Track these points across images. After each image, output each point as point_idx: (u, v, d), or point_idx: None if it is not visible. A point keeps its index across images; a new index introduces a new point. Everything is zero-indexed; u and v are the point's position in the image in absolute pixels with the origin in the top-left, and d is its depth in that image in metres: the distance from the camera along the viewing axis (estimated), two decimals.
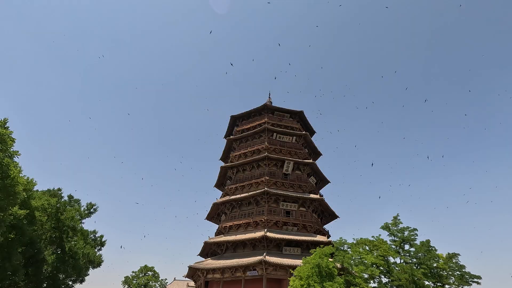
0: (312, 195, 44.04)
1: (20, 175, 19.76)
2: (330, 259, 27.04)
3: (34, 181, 24.77)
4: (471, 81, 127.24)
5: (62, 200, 31.53)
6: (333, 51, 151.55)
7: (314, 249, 27.15)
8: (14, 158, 19.41)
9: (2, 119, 17.39)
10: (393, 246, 31.56)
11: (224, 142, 55.07)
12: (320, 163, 54.79)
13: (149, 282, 64.93)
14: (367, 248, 30.85)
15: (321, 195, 45.58)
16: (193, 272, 43.39)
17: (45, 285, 27.76)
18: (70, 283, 30.60)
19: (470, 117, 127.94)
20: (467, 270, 29.64)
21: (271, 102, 56.77)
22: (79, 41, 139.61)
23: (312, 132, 56.91)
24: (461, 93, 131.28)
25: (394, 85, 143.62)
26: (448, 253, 30.32)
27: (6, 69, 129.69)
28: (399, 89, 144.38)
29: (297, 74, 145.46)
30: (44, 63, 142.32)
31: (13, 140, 18.28)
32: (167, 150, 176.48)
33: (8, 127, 17.71)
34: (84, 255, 30.52)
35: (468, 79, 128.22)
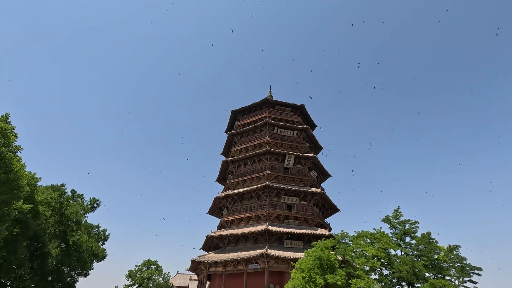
0: (313, 189, 44.18)
1: (23, 169, 19.91)
2: (332, 252, 27.21)
3: (37, 176, 25.00)
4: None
5: (66, 195, 31.78)
6: (337, 42, 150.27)
7: (315, 242, 27.34)
8: (16, 153, 19.55)
9: (4, 114, 17.46)
10: (394, 239, 31.69)
11: (225, 136, 55.17)
12: (321, 157, 54.85)
13: (152, 276, 65.65)
14: (368, 240, 30.96)
15: (322, 189, 45.71)
16: (195, 266, 43.85)
17: (50, 278, 28.15)
18: (75, 276, 31.03)
19: (473, 116, 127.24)
20: (468, 262, 29.81)
21: (272, 96, 56.57)
22: (80, 38, 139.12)
23: (313, 126, 56.80)
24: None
25: (396, 79, 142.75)
26: (449, 245, 30.44)
27: (8, 65, 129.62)
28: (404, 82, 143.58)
29: (299, 69, 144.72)
30: (45, 59, 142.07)
31: (15, 135, 18.37)
32: (168, 145, 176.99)
33: (10, 122, 17.79)
34: (88, 248, 30.88)
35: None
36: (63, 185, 31.91)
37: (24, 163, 20.66)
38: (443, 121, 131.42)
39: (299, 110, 54.47)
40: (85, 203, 34.20)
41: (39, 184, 26.94)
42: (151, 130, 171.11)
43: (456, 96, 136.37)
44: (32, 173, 24.78)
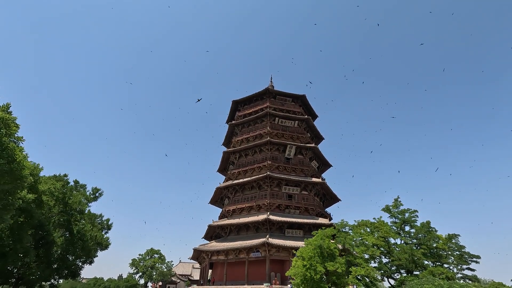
0: (314, 179, 44.37)
1: (26, 160, 19.97)
2: (332, 241, 27.50)
3: (40, 167, 25.15)
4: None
5: (69, 185, 32.05)
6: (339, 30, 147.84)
7: (316, 231, 27.56)
8: (19, 144, 19.53)
9: (5, 104, 17.38)
10: (393, 228, 32.02)
11: (226, 127, 55.06)
12: (322, 147, 54.79)
13: (155, 264, 66.89)
14: (368, 229, 31.28)
15: (323, 179, 45.92)
16: (198, 254, 44.55)
17: (55, 266, 28.71)
18: (80, 264, 31.65)
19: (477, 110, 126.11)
20: (466, 250, 30.18)
21: (273, 86, 56.12)
22: (85, 32, 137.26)
23: (315, 116, 56.53)
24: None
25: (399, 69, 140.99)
26: (448, 234, 30.77)
27: (9, 60, 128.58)
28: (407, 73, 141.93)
29: (301, 56, 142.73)
30: (46, 54, 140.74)
31: (17, 126, 18.29)
32: (169, 137, 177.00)
33: (11, 112, 17.72)
34: (92, 237, 31.37)
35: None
36: (65, 175, 32.15)
37: (26, 154, 20.70)
38: (445, 114, 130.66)
39: (301, 100, 54.12)
40: (88, 193, 34.53)
41: (41, 174, 27.13)
42: (152, 124, 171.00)
43: (458, 90, 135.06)
44: (35, 164, 24.91)
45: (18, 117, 17.87)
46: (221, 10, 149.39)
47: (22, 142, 19.70)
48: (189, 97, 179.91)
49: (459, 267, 29.89)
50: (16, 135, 18.74)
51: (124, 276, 73.87)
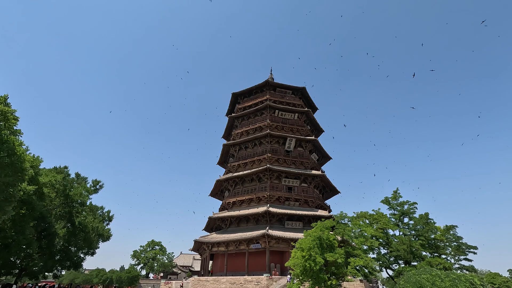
0: (313, 171, 44.49)
1: (26, 152, 19.99)
2: (331, 232, 27.75)
3: (40, 159, 25.19)
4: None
5: (69, 177, 32.17)
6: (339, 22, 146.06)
7: (315, 223, 27.76)
8: (18, 137, 19.48)
9: (2, 96, 17.26)
10: (392, 219, 32.31)
11: (226, 119, 54.92)
12: (322, 139, 54.83)
13: (156, 256, 67.79)
14: (367, 221, 31.56)
15: (322, 171, 46.05)
16: (198, 246, 45.03)
17: (58, 257, 29.05)
18: (82, 255, 32.02)
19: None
20: (464, 241, 30.51)
21: (273, 79, 55.76)
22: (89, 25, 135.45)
23: (315, 109, 56.35)
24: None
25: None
26: (446, 225, 31.08)
27: (8, 53, 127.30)
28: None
29: (301, 52, 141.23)
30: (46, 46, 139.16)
31: (16, 118, 18.21)
32: (170, 129, 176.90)
33: (9, 104, 17.63)
34: (93, 229, 31.66)
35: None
36: (66, 167, 32.23)
37: (27, 147, 20.75)
38: (444, 108, 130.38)
39: (300, 93, 53.85)
40: (88, 185, 34.68)
41: (41, 166, 27.17)
42: (152, 119, 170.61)
43: (458, 85, 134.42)
44: (35, 156, 24.93)
45: (18, 109, 17.79)
46: (219, 2, 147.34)
47: (21, 135, 19.68)
48: (188, 92, 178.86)
49: (456, 258, 30.29)
50: (15, 128, 18.69)
51: (126, 267, 74.92)
